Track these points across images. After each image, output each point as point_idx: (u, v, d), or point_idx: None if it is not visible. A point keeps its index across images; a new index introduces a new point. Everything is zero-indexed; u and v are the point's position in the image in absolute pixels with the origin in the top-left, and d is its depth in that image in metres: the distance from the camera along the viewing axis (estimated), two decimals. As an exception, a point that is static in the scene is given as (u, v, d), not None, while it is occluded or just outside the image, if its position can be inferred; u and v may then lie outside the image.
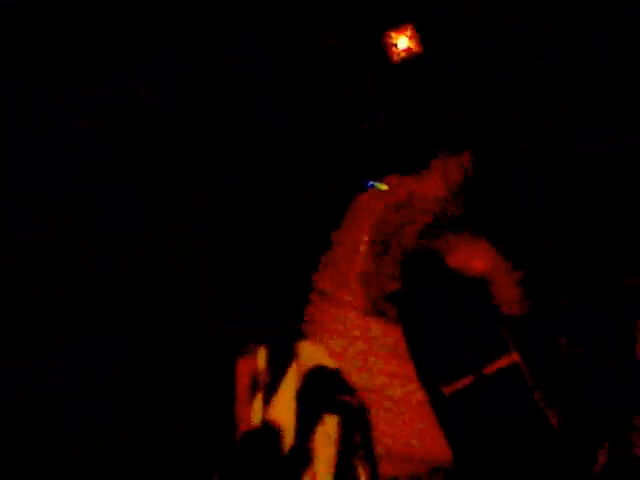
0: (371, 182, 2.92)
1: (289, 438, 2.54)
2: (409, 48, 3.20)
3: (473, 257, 2.81)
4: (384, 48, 3.19)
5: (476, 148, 3.24)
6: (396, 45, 3.19)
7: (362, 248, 2.81)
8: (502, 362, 2.75)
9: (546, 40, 3.23)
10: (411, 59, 3.20)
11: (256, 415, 2.57)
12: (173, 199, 3.17)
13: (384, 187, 2.89)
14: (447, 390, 2.74)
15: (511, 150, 3.26)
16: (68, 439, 2.85)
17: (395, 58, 3.20)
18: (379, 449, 2.65)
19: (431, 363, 2.75)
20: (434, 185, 2.89)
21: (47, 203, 3.13)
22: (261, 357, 2.65)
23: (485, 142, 3.27)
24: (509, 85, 3.28)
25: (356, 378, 2.68)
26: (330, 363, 2.66)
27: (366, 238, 2.82)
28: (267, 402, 2.59)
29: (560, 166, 3.21)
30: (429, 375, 2.74)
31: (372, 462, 2.62)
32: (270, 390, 2.60)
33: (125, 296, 3.10)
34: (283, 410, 2.57)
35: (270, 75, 3.28)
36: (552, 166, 3.21)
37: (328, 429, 2.55)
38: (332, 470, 2.53)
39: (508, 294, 2.81)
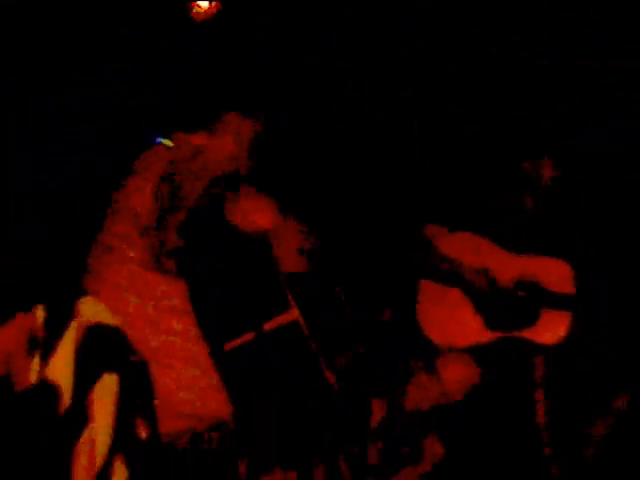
0: (158, 138, 2.89)
1: (67, 397, 2.46)
2: (210, 8, 3.28)
3: (256, 214, 2.79)
4: (187, 8, 3.27)
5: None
6: (198, 5, 3.28)
7: (146, 203, 2.75)
8: (282, 318, 2.74)
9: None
10: (211, 19, 3.27)
11: (33, 374, 2.46)
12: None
13: (170, 143, 2.84)
14: (228, 346, 2.71)
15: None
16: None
17: (197, 18, 3.28)
18: (160, 406, 2.59)
19: (213, 320, 2.72)
20: (226, 142, 2.86)
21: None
22: (39, 315, 2.53)
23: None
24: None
25: (138, 335, 2.61)
26: (111, 320, 2.56)
27: (150, 193, 2.76)
28: (45, 361, 2.48)
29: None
30: (211, 332, 2.70)
31: (152, 419, 2.57)
32: (48, 348, 2.50)
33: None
34: (61, 369, 2.48)
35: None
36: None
37: (107, 387, 2.49)
38: (111, 428, 2.47)
39: (289, 251, 2.81)
